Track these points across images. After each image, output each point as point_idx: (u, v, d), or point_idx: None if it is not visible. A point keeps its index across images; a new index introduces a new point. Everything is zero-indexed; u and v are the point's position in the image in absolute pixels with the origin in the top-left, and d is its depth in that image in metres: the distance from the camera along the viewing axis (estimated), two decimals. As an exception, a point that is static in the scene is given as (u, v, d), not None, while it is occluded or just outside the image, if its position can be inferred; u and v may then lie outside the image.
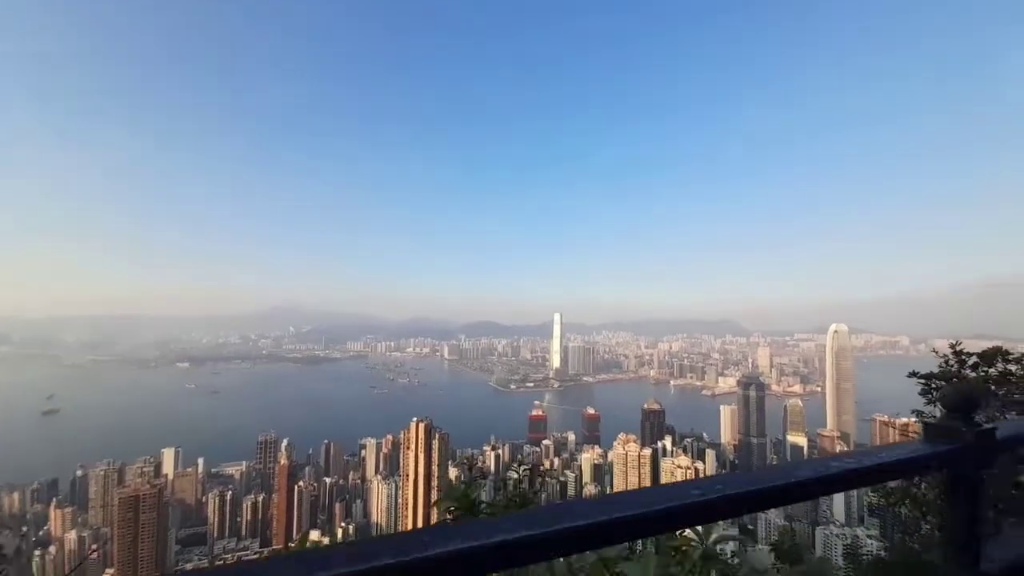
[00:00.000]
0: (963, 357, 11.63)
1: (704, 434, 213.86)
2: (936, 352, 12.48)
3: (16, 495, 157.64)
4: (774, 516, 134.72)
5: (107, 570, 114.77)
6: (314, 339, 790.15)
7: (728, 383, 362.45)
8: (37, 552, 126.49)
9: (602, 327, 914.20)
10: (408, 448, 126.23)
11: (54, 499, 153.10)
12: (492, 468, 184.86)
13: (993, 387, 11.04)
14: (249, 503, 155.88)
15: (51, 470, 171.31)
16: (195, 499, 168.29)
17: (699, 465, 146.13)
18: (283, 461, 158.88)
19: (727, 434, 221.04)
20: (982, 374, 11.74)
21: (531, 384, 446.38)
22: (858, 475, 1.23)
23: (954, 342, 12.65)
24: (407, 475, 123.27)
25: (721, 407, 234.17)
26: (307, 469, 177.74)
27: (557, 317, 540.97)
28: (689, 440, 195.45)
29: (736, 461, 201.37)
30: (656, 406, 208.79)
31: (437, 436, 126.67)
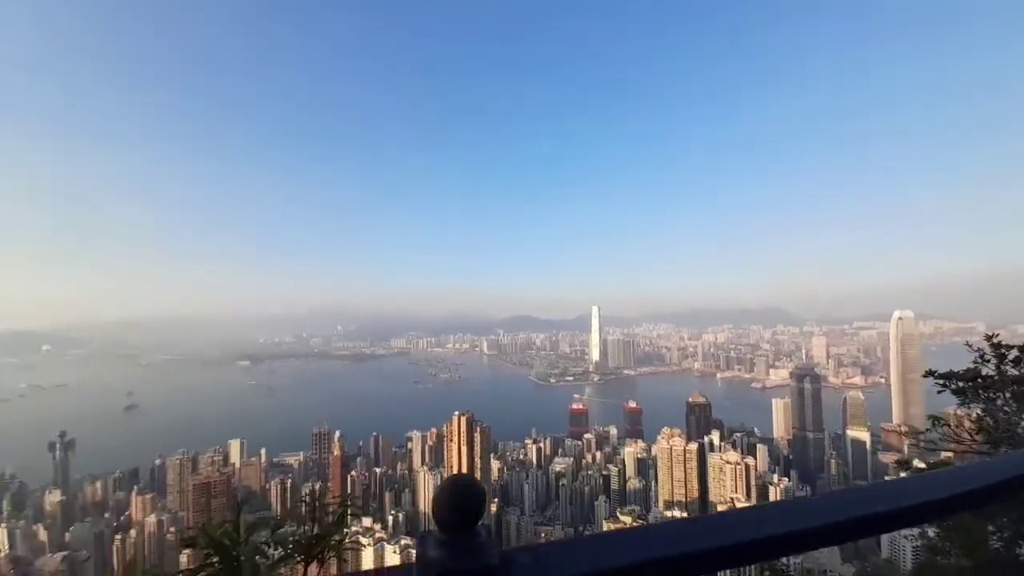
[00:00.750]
0: (1002, 350, 10.21)
1: (755, 428, 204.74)
2: (969, 345, 11.23)
3: (99, 484, 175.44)
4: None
5: (184, 550, 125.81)
6: (360, 336, 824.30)
7: (780, 375, 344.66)
8: (118, 536, 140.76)
9: (642, 319, 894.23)
10: (451, 441, 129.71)
11: (135, 487, 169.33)
12: (534, 461, 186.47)
13: None
14: (307, 490, 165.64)
15: (132, 461, 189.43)
16: (259, 486, 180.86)
17: (750, 461, 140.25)
18: (336, 452, 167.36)
19: (780, 428, 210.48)
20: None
21: (571, 378, 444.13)
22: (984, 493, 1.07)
23: (991, 333, 11.31)
24: (451, 466, 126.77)
25: (773, 400, 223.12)
26: (358, 460, 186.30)
27: (595, 310, 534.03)
28: (739, 435, 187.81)
29: (790, 457, 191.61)
30: (702, 399, 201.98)
31: (479, 429, 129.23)
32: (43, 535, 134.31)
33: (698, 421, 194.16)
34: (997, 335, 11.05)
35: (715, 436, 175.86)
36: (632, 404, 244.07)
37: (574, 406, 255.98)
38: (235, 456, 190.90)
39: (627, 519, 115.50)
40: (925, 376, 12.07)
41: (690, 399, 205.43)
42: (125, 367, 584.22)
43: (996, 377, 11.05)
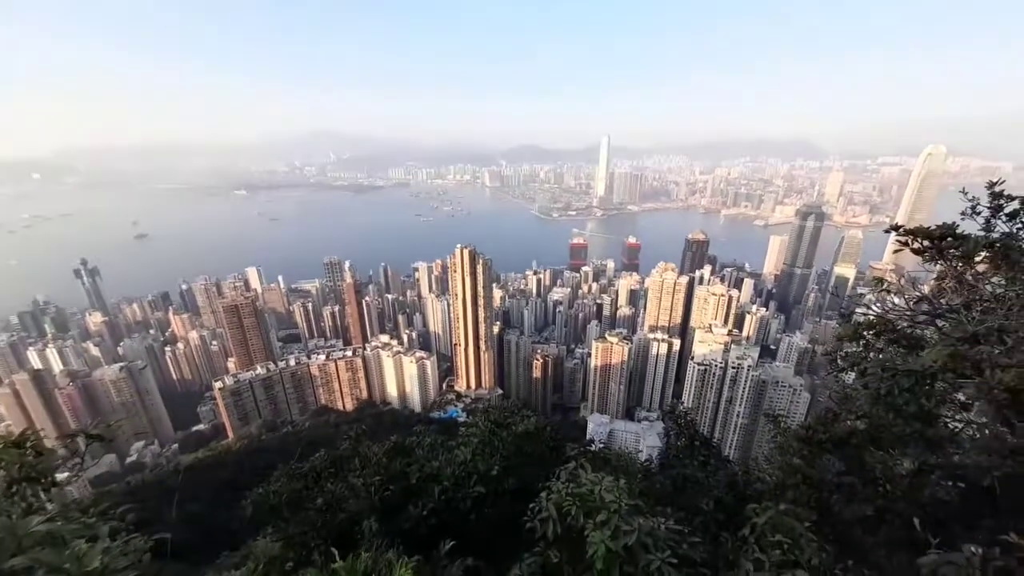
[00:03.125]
0: (1000, 201, 8.32)
1: (747, 264, 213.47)
2: (964, 192, 8.72)
3: (135, 306, 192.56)
4: (798, 339, 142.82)
5: (229, 359, 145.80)
6: (356, 166, 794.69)
7: (786, 212, 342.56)
8: (168, 349, 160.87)
9: (654, 151, 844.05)
10: (455, 272, 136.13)
11: (170, 308, 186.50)
12: (533, 291, 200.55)
13: None
14: (328, 313, 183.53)
15: (158, 285, 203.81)
16: (284, 308, 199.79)
17: (734, 292, 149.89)
18: (349, 280, 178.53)
19: (771, 265, 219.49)
20: (1019, 226, 8.29)
21: (574, 212, 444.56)
22: None
23: (994, 180, 8.66)
24: (456, 295, 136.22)
25: (772, 237, 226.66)
26: (370, 287, 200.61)
27: (604, 140, 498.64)
28: (729, 270, 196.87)
29: (774, 291, 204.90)
30: (701, 236, 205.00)
31: (481, 261, 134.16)
32: (94, 351, 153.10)
33: (694, 257, 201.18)
34: (1002, 180, 8.50)
35: (706, 271, 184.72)
36: (632, 240, 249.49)
37: (574, 241, 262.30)
38: (255, 282, 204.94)
39: (614, 339, 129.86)
40: (886, 231, 9.83)
41: (689, 236, 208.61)
42: (123, 195, 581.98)
43: (970, 236, 8.87)
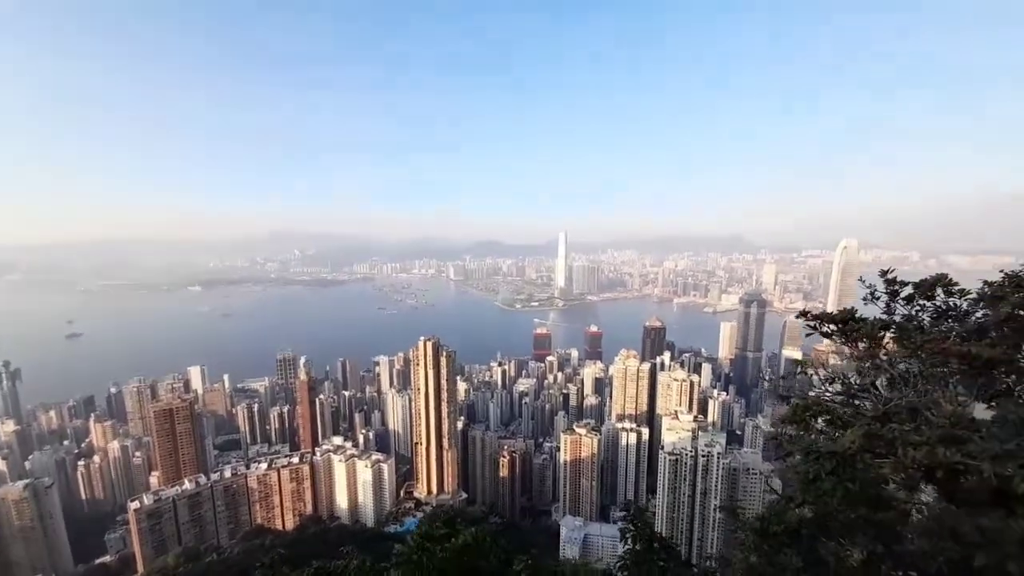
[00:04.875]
0: (896, 287, 9.61)
1: (703, 349, 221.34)
2: (862, 280, 10.59)
3: (53, 413, 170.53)
4: (761, 423, 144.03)
5: (153, 472, 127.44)
6: (320, 262, 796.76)
7: (731, 300, 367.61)
8: (81, 463, 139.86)
9: (608, 245, 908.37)
10: (418, 364, 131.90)
11: (92, 414, 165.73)
12: (499, 382, 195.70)
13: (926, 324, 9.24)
14: (275, 414, 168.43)
15: (84, 389, 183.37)
16: (226, 410, 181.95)
17: (695, 378, 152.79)
18: (303, 376, 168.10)
19: (725, 349, 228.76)
20: (917, 308, 9.78)
21: (536, 303, 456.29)
22: None
23: (887, 269, 10.50)
24: (418, 389, 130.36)
25: (721, 323, 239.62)
26: (326, 384, 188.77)
27: (562, 236, 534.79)
28: (687, 355, 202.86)
29: (731, 375, 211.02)
30: (658, 323, 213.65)
31: (445, 353, 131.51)
32: (1, 464, 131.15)
33: (653, 343, 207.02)
34: (893, 270, 10.30)
35: (667, 356, 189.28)
36: (593, 328, 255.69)
37: (538, 331, 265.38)
38: (197, 382, 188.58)
39: (582, 431, 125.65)
40: (797, 317, 11.27)
41: (647, 323, 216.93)
42: (62, 294, 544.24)
43: (870, 319, 10.26)
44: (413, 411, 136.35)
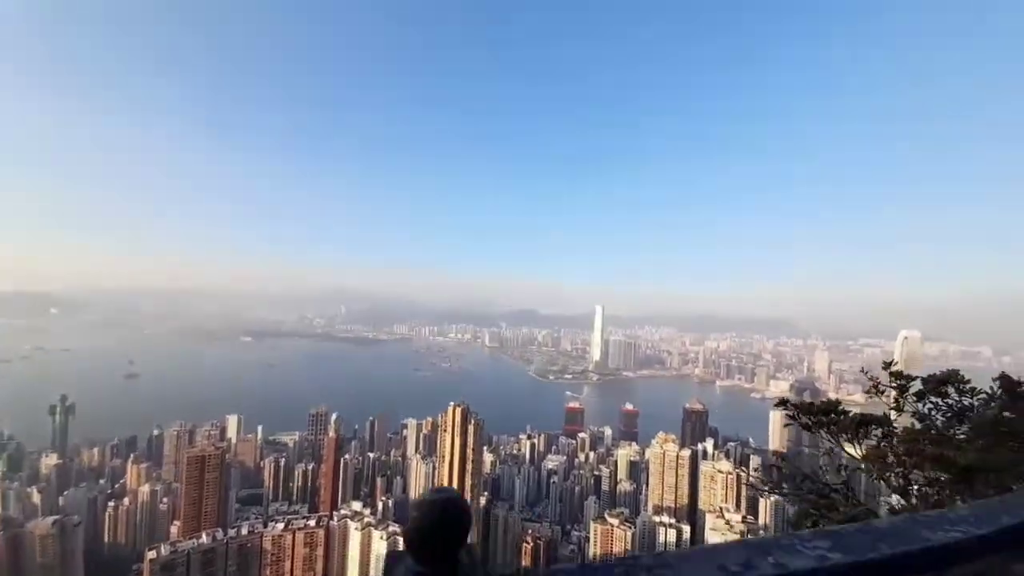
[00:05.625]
0: (903, 382, 9.59)
1: (751, 439, 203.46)
2: (864, 372, 10.54)
3: (96, 450, 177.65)
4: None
5: (175, 521, 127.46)
6: (363, 320, 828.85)
7: (780, 387, 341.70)
8: (111, 503, 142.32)
9: (645, 321, 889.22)
10: (445, 431, 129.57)
11: (131, 455, 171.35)
12: (527, 456, 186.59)
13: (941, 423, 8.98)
14: (300, 471, 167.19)
15: (131, 429, 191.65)
16: (254, 463, 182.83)
17: (741, 471, 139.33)
18: (332, 434, 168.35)
19: (776, 441, 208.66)
20: (929, 407, 9.61)
21: (570, 376, 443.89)
22: None
23: (889, 361, 10.48)
24: (443, 456, 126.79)
25: (771, 412, 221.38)
26: (353, 443, 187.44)
27: (599, 309, 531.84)
28: (733, 444, 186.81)
29: (784, 471, 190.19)
30: (699, 406, 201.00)
31: (473, 421, 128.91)
32: (36, 498, 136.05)
33: (693, 428, 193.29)
34: (895, 362, 10.46)
35: (709, 444, 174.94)
36: (629, 406, 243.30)
37: (570, 404, 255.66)
38: (232, 431, 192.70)
39: (615, 521, 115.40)
40: (776, 406, 11.55)
41: (687, 405, 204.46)
42: (129, 335, 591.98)
43: (846, 415, 10.48)
44: (436, 480, 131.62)
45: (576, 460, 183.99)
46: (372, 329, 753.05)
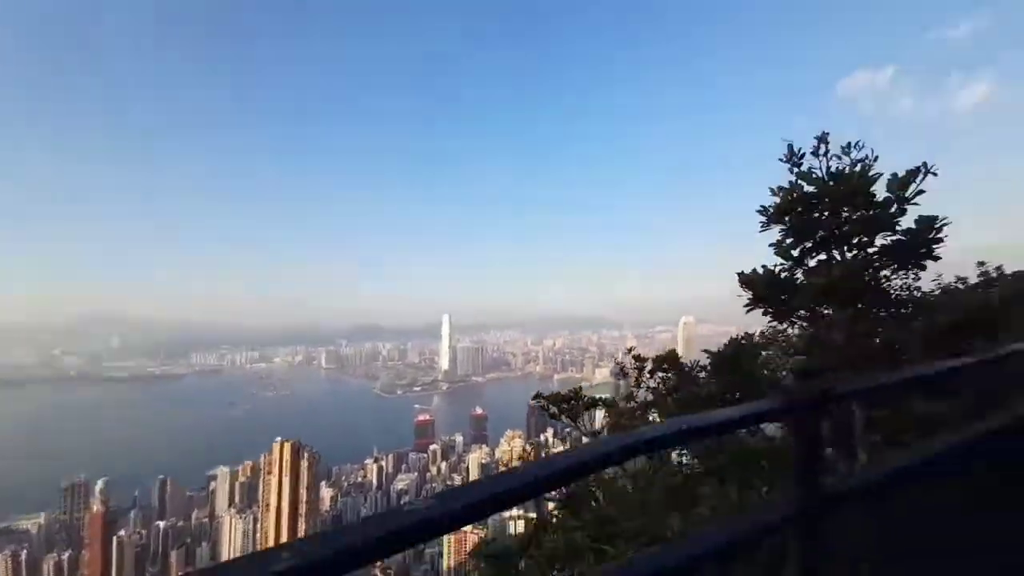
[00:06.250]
0: (642, 363, 12.16)
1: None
2: (615, 360, 14.45)
3: None
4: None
5: None
6: (148, 353, 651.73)
7: (603, 374, 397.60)
8: None
9: (490, 326, 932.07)
10: (270, 473, 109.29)
11: None
12: (374, 482, 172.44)
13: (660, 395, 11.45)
14: (52, 563, 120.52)
15: None
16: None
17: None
18: (96, 508, 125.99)
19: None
20: (658, 381, 11.72)
21: (419, 388, 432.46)
22: (713, 428, 1.59)
23: (636, 354, 13.45)
24: (267, 504, 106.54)
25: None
26: (132, 514, 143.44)
27: (446, 318, 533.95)
28: (567, 429, 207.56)
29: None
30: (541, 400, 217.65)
31: (306, 456, 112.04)
32: None
33: (537, 421, 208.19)
34: (644, 360, 13.39)
35: (550, 433, 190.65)
36: (478, 410, 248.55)
37: (420, 417, 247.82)
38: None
39: (467, 527, 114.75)
40: (533, 399, 13.10)
41: (531, 402, 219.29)
42: None
43: (584, 397, 12.24)
44: (259, 535, 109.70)
45: (428, 474, 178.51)
46: (160, 363, 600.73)
